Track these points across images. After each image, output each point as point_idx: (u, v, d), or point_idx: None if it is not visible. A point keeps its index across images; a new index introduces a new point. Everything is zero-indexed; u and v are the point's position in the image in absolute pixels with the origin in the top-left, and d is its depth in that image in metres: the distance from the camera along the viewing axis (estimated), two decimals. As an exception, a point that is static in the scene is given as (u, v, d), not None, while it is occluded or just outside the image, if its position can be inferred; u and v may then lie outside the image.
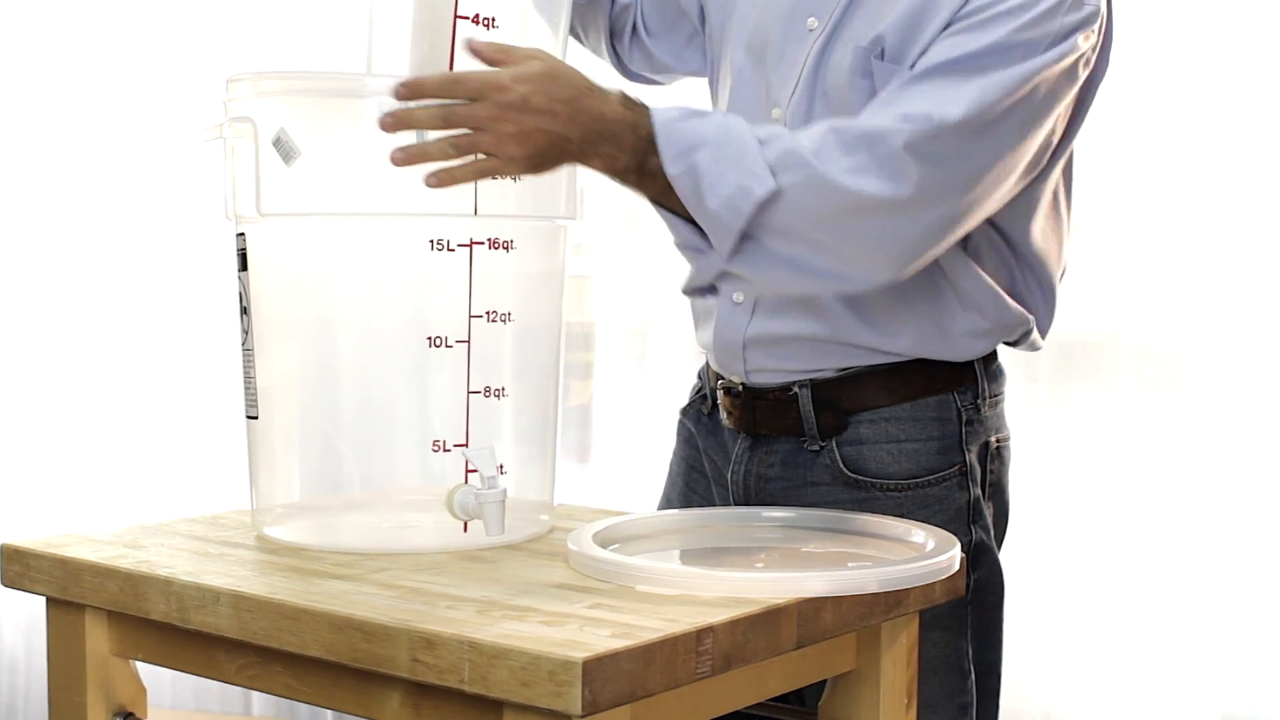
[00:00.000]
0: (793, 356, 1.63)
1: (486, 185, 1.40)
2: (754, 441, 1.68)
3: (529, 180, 1.42)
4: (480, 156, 1.33)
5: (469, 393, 1.43)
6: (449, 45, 1.42)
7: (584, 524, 1.45)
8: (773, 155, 1.42)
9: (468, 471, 1.41)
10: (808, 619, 1.24)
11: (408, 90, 1.31)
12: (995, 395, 1.67)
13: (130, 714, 1.44)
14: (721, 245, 1.44)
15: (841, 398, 1.62)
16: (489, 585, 1.27)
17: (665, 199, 1.44)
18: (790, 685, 1.31)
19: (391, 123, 1.32)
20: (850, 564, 1.38)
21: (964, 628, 1.62)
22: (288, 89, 1.41)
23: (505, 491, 1.38)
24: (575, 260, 2.99)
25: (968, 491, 1.63)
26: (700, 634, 1.14)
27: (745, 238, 1.43)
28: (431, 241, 1.40)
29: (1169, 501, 2.63)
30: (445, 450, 1.42)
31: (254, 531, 1.50)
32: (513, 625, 1.14)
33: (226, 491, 3.01)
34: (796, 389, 1.63)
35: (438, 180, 1.33)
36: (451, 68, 1.42)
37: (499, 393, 1.44)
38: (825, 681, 1.40)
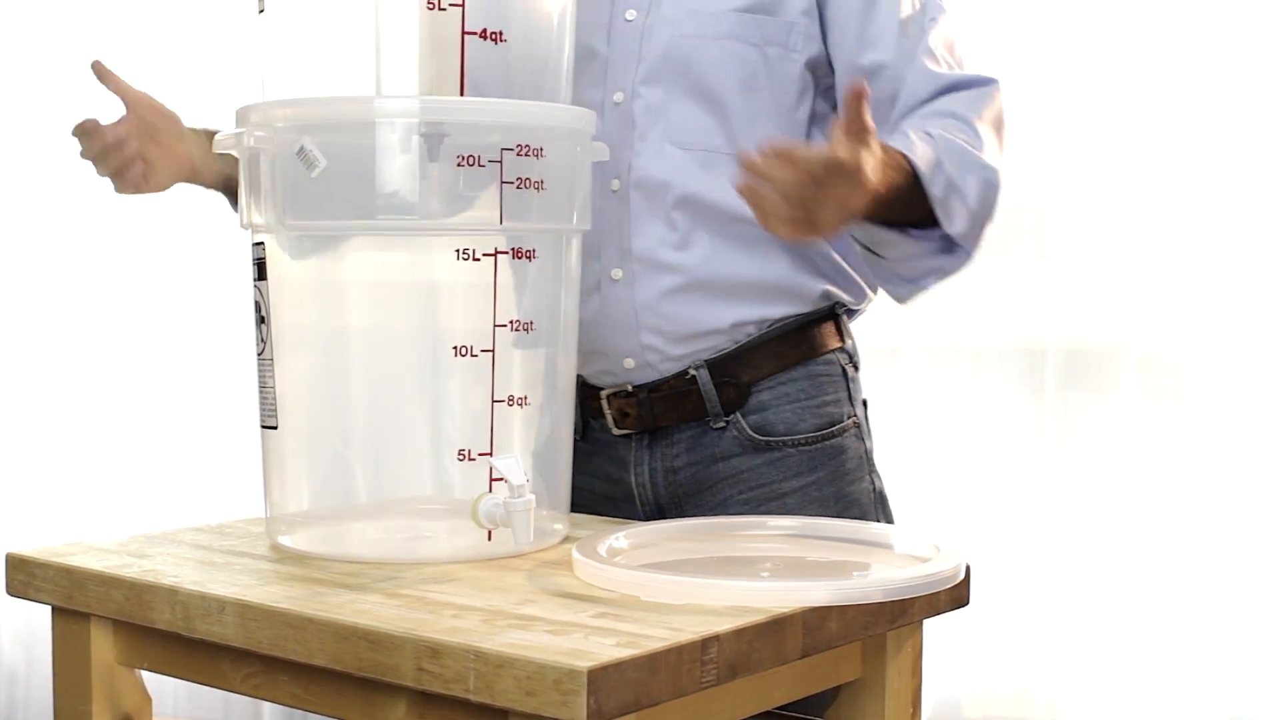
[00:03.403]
0: (684, 307, 1.68)
1: (510, 194, 1.41)
2: (652, 438, 1.73)
3: (548, 188, 1.44)
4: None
5: (493, 402, 1.43)
6: (458, 63, 1.43)
7: (591, 533, 1.45)
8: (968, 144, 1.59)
9: (492, 480, 1.41)
10: (813, 628, 1.24)
11: (760, 157, 1.42)
12: (858, 356, 1.79)
13: (135, 723, 1.44)
14: (974, 237, 1.61)
15: (739, 371, 1.69)
16: (494, 594, 1.27)
17: (889, 214, 1.55)
18: (795, 695, 1.31)
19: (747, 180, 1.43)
20: (855, 573, 1.38)
21: None
22: (301, 115, 1.41)
23: (533, 500, 1.38)
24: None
25: (863, 443, 1.75)
26: (705, 643, 1.14)
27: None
28: (458, 251, 1.41)
29: (1174, 506, 2.64)
30: (470, 459, 1.43)
31: (269, 541, 1.50)
32: (518, 634, 1.14)
33: (232, 500, 3.01)
34: (693, 370, 1.69)
35: (782, 229, 1.45)
36: (462, 86, 1.43)
37: (520, 401, 1.45)
38: (830, 691, 1.40)
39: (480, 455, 1.43)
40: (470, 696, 1.11)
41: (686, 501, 1.72)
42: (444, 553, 1.44)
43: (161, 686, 3.17)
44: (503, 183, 1.41)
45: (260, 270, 1.48)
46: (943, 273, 1.65)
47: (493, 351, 1.43)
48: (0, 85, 3.43)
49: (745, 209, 1.60)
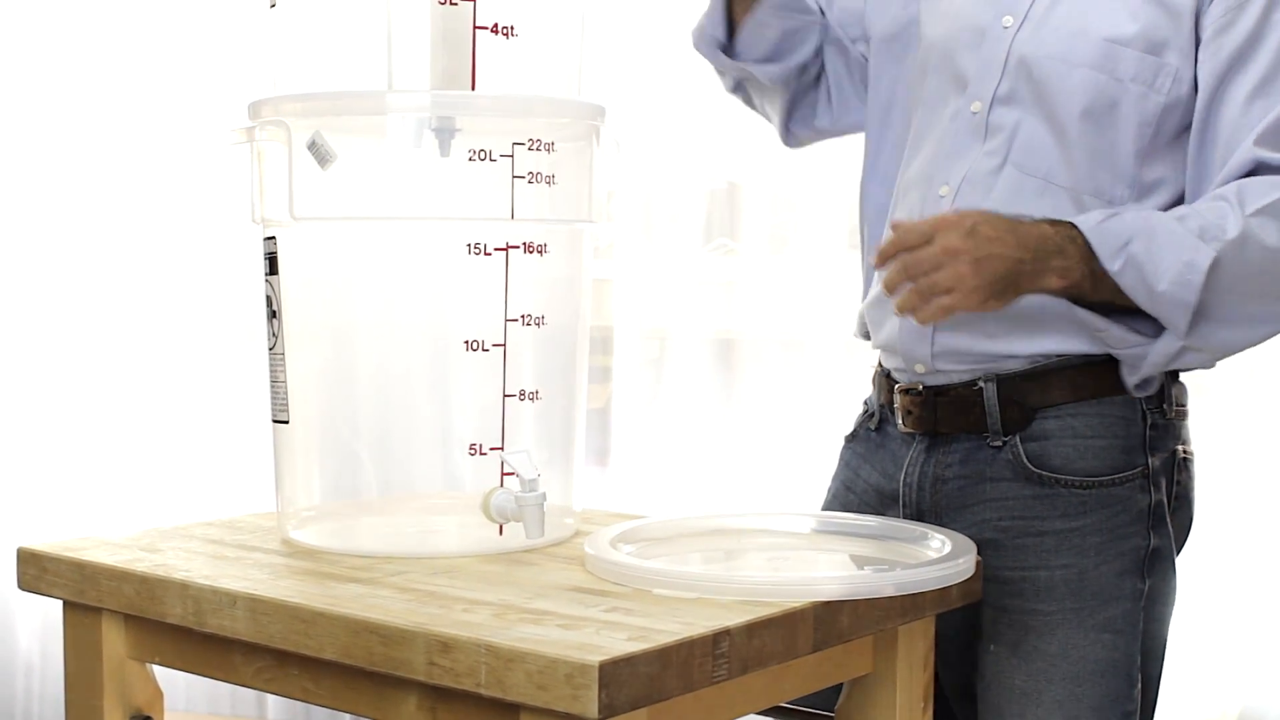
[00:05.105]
0: (983, 331, 1.62)
1: (522, 189, 1.41)
2: (931, 443, 1.67)
3: (559, 182, 1.44)
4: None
5: (504, 396, 1.43)
6: (469, 57, 1.43)
7: (602, 528, 1.45)
8: (1194, 228, 1.48)
9: (503, 475, 1.41)
10: (824, 622, 1.24)
11: (880, 260, 1.47)
12: (1181, 405, 1.67)
13: (147, 717, 1.44)
14: (1178, 323, 1.50)
15: (1028, 393, 1.61)
16: (506, 589, 1.27)
17: (1116, 298, 1.51)
18: (807, 689, 1.31)
19: (887, 289, 1.48)
20: (867, 567, 1.38)
21: (1136, 633, 1.59)
22: (313, 109, 1.42)
23: (545, 495, 1.38)
24: (594, 263, 2.99)
25: (1149, 495, 1.62)
26: (717, 637, 1.14)
27: (1196, 310, 1.48)
28: (469, 245, 1.41)
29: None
30: (482, 454, 1.43)
31: (280, 535, 1.50)
32: (529, 629, 1.14)
33: (243, 495, 3.02)
34: (981, 383, 1.62)
35: (918, 320, 1.47)
36: (473, 80, 1.43)
37: (532, 396, 1.45)
38: (842, 685, 1.40)
39: (491, 450, 1.43)
40: (481, 690, 1.11)
41: (946, 514, 1.64)
42: (455, 547, 1.44)
43: (169, 680, 3.18)
44: (514, 177, 1.41)
45: (272, 265, 1.48)
46: (1159, 364, 1.55)
47: (504, 346, 1.43)
48: (5, 83, 3.43)
49: None
